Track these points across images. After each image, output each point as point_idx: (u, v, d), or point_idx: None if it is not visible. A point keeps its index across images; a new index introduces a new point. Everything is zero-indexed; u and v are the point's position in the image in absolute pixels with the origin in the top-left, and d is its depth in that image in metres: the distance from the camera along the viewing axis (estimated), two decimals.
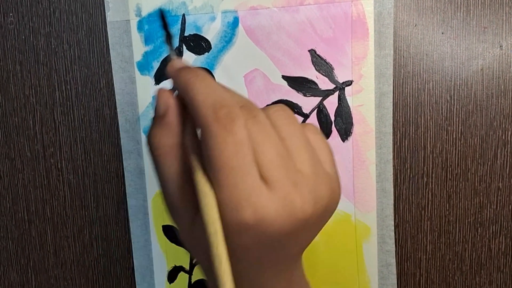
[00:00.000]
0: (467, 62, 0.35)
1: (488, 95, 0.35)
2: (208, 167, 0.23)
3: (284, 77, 0.36)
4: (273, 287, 0.27)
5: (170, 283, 0.40)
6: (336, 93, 0.35)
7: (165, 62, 0.37)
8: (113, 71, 0.37)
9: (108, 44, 0.37)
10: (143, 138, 0.38)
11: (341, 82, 0.35)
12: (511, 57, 0.35)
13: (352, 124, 0.35)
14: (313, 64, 0.35)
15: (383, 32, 0.34)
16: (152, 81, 0.37)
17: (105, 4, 0.37)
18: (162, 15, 0.28)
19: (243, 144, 0.22)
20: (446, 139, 0.36)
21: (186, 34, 0.36)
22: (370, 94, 0.35)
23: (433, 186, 0.36)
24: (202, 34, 0.36)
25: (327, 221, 0.27)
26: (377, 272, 0.37)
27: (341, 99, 0.35)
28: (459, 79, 0.35)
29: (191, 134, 0.24)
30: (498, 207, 0.36)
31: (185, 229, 0.26)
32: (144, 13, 0.36)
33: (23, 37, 0.39)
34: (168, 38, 0.28)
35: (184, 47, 0.36)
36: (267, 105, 0.27)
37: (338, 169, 0.32)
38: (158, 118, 0.25)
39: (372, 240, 0.36)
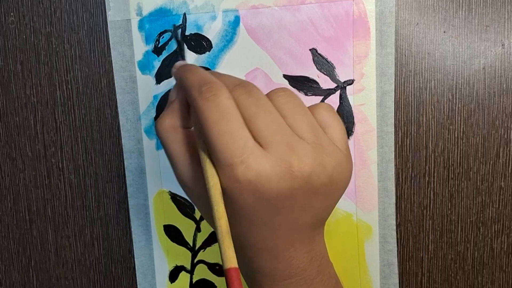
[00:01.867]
0: (469, 60, 0.35)
1: (490, 93, 0.35)
2: (203, 137, 0.25)
3: (285, 76, 0.36)
4: (291, 257, 0.27)
5: (171, 283, 0.40)
6: (338, 92, 0.35)
7: (166, 61, 0.37)
8: (114, 71, 0.37)
9: (109, 44, 0.37)
10: (144, 137, 0.38)
11: (342, 81, 0.35)
12: None
13: (353, 123, 0.35)
14: (314, 63, 0.35)
15: (385, 31, 0.34)
16: (153, 80, 0.37)
17: (106, 4, 0.37)
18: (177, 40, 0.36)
19: (227, 111, 0.24)
20: (448, 138, 0.36)
21: (187, 33, 0.36)
22: (372, 93, 0.35)
23: (435, 185, 0.36)
24: (203, 33, 0.36)
25: (337, 196, 0.28)
26: (379, 271, 0.37)
27: (343, 98, 0.35)
28: (461, 78, 0.35)
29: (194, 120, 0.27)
30: (500, 206, 0.36)
31: (194, 197, 0.28)
32: (145, 12, 0.36)
33: (24, 36, 0.39)
34: (180, 49, 0.35)
35: (185, 46, 0.36)
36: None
37: None
38: (168, 104, 0.29)
39: (374, 239, 0.36)
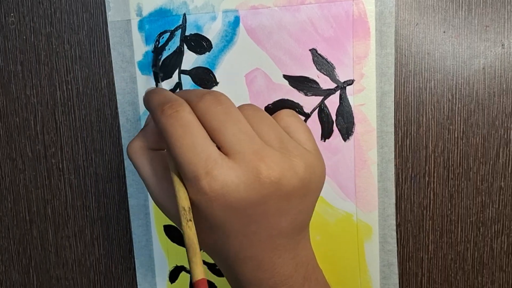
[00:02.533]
0: (468, 61, 0.35)
1: (490, 94, 0.35)
2: (170, 154, 0.26)
3: (285, 76, 0.36)
4: (276, 265, 0.27)
5: (171, 283, 0.40)
6: (338, 93, 0.35)
7: (166, 61, 0.37)
8: (114, 71, 0.37)
9: (109, 44, 0.37)
10: None
11: (342, 81, 0.35)
12: None
13: (353, 123, 0.35)
14: (314, 63, 0.35)
15: (385, 31, 0.34)
16: (153, 80, 0.37)
17: (106, 4, 0.37)
18: (153, 60, 0.36)
19: (189, 125, 0.25)
20: (447, 138, 0.36)
21: (187, 33, 0.36)
22: (372, 93, 0.35)
23: (435, 185, 0.36)
24: (203, 34, 0.36)
25: (312, 198, 0.28)
26: (379, 271, 0.37)
27: (343, 99, 0.35)
28: (461, 78, 0.35)
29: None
30: (500, 207, 0.36)
31: (169, 213, 0.29)
32: (145, 12, 0.36)
33: (24, 37, 0.39)
34: (156, 78, 0.36)
35: (185, 46, 0.36)
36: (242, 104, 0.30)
37: (340, 169, 0.32)
38: (142, 128, 0.30)
39: (374, 239, 0.36)
